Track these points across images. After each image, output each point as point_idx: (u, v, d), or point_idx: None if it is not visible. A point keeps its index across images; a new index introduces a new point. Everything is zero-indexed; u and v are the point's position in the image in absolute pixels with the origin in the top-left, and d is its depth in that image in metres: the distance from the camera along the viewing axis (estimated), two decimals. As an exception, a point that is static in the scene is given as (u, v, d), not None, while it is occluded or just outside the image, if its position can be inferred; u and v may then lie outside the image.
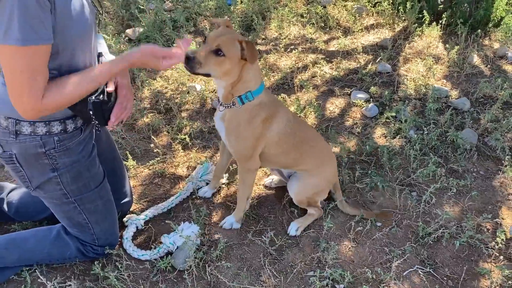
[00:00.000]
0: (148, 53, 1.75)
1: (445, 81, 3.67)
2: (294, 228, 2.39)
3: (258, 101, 2.14)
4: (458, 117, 3.19)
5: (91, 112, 1.78)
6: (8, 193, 2.33)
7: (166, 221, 2.34)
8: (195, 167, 2.81)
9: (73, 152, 1.88)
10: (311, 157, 2.36)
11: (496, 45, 4.12)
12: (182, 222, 2.34)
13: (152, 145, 2.96)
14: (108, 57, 1.98)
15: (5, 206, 2.30)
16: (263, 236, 2.32)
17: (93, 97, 1.76)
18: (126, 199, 2.38)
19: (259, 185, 2.70)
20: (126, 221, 2.38)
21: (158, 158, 2.85)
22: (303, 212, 2.48)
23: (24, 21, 1.45)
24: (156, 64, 1.77)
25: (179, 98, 3.44)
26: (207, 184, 2.66)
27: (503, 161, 2.79)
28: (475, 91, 3.45)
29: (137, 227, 2.37)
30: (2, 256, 2.08)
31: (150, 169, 2.81)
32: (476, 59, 3.88)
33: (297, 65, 3.87)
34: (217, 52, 1.96)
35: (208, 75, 2.02)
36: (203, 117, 3.31)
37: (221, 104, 2.17)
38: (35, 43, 1.49)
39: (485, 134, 3.07)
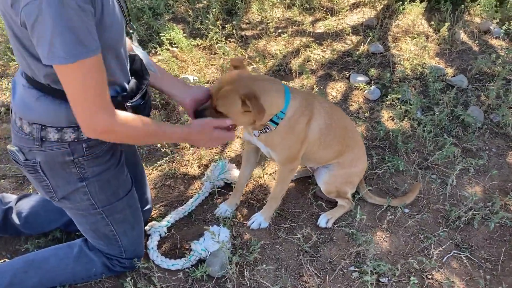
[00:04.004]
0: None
1: (438, 59, 3.67)
2: (324, 220, 2.31)
3: (291, 112, 1.99)
4: (461, 95, 3.20)
5: None
6: (17, 202, 2.11)
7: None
8: (207, 166, 2.65)
9: (102, 160, 1.72)
10: (351, 151, 2.27)
11: (477, 20, 4.17)
12: (210, 226, 2.20)
13: (158, 144, 2.76)
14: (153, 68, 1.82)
15: (14, 216, 2.08)
16: (295, 233, 2.23)
17: (129, 102, 1.61)
18: (147, 206, 2.22)
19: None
20: (149, 230, 2.21)
21: (166, 158, 2.67)
22: (330, 205, 2.41)
23: (68, 35, 1.27)
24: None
25: (173, 91, 3.24)
26: (225, 183, 2.52)
27: (512, 137, 2.83)
28: (470, 67, 3.47)
29: (160, 235, 2.22)
30: (21, 281, 1.87)
31: (159, 171, 2.63)
32: (462, 35, 3.91)
33: (287, 49, 3.75)
34: (217, 111, 1.86)
35: None
36: (203, 110, 3.14)
37: (253, 130, 2.04)
38: (85, 57, 1.32)
39: (489, 111, 3.10)
